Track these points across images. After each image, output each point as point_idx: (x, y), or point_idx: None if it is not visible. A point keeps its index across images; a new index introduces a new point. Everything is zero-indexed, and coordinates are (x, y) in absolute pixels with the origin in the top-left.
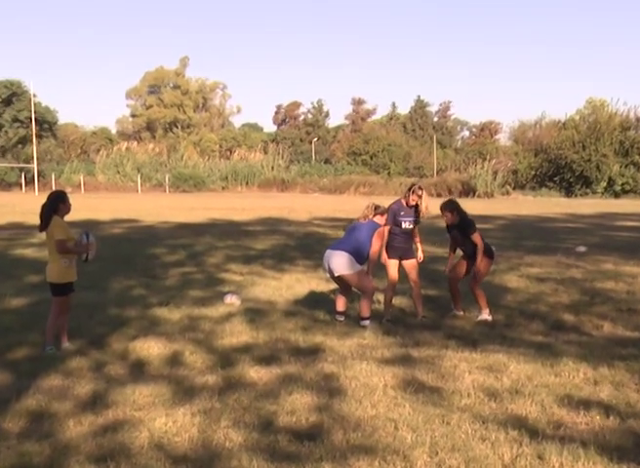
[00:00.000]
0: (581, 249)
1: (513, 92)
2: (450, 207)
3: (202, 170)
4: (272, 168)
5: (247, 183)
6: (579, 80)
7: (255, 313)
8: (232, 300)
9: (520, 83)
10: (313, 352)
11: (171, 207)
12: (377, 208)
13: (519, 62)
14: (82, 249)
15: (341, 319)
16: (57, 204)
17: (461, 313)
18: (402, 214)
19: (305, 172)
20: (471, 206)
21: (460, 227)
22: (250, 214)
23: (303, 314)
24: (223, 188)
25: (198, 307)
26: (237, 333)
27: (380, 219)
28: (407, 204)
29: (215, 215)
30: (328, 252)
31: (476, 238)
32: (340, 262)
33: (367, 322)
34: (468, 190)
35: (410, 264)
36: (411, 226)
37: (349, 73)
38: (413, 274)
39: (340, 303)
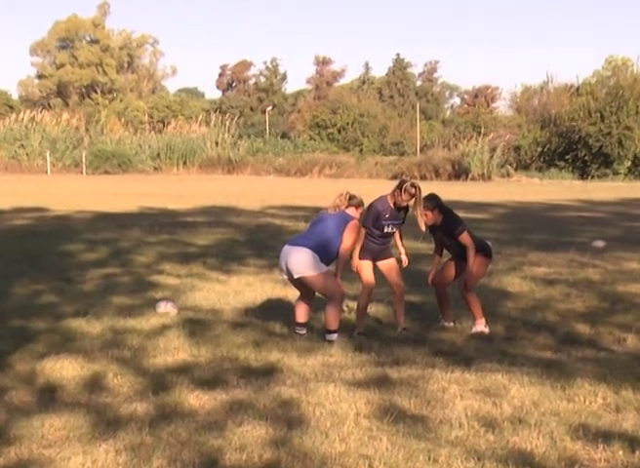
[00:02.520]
0: (599, 244)
1: (514, 49)
2: (430, 204)
3: (128, 146)
4: (216, 144)
5: (185, 163)
6: (594, 35)
7: (195, 325)
8: (167, 309)
9: (523, 38)
10: (268, 373)
11: (89, 192)
12: (351, 198)
13: (521, 13)
14: None
15: (302, 332)
16: None
17: (451, 324)
18: (386, 216)
19: (258, 149)
20: (463, 191)
21: (445, 228)
22: (189, 201)
23: (255, 326)
24: (155, 169)
25: (124, 318)
26: (173, 350)
27: (353, 212)
28: (394, 204)
29: (144, 203)
30: (286, 248)
31: (465, 238)
32: (300, 261)
33: (334, 335)
34: (460, 172)
35: (387, 264)
36: (394, 231)
37: (311, 25)
38: (393, 275)
39: (301, 313)
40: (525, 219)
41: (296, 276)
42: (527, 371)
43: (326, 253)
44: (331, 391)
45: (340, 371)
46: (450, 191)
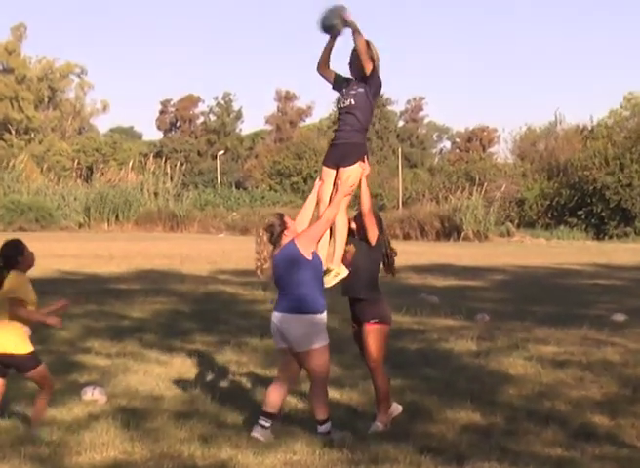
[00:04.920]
0: (619, 317)
1: (515, 83)
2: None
3: (49, 197)
4: (156, 195)
5: (117, 218)
6: (609, 68)
7: (129, 414)
8: (94, 396)
9: (525, 71)
10: None
11: None
12: (271, 228)
13: (522, 41)
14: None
15: (268, 425)
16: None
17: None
18: None
19: (206, 201)
20: (454, 253)
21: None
22: (122, 264)
23: (203, 416)
24: (81, 226)
25: None
26: (101, 446)
27: (288, 234)
28: None
29: (68, 267)
30: (280, 317)
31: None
32: (304, 332)
33: (327, 426)
34: (450, 229)
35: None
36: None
37: (272, 55)
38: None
39: (276, 400)
40: (529, 288)
41: (300, 350)
42: None
43: (310, 300)
44: None
45: None
46: (438, 253)
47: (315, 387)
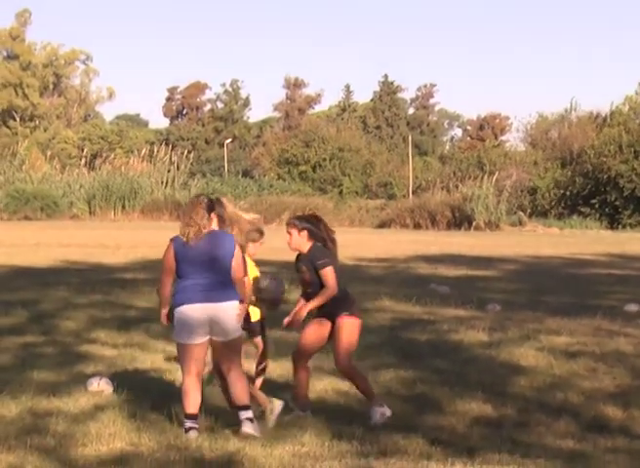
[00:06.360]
0: (633, 308)
1: (527, 70)
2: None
3: (54, 186)
4: (163, 184)
5: (124, 207)
6: (624, 53)
7: (136, 405)
8: (101, 387)
9: (537, 57)
10: (225, 466)
11: (4, 242)
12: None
13: (534, 26)
14: None
15: (196, 426)
16: None
17: (306, 413)
18: None
19: (214, 190)
20: (465, 243)
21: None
22: (128, 253)
23: (212, 407)
24: (87, 214)
25: (47, 397)
26: (108, 437)
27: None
28: None
29: (73, 256)
30: (212, 306)
31: (327, 274)
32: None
33: (248, 413)
34: (461, 219)
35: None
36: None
37: (280, 40)
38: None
39: (197, 401)
40: (541, 278)
41: (230, 338)
42: (544, 465)
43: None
44: None
45: (314, 464)
46: (449, 242)
47: (239, 374)
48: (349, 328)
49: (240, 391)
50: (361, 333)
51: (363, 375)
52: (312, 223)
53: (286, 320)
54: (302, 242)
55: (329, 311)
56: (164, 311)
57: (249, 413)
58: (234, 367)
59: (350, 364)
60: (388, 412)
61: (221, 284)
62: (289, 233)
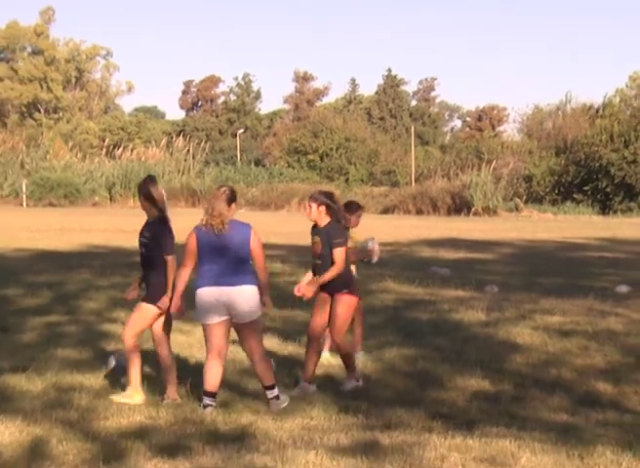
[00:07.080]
0: (623, 289)
1: (524, 64)
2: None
3: (77, 174)
4: (180, 172)
5: None
6: (617, 46)
7: (153, 382)
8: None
9: (533, 51)
10: (238, 438)
11: (30, 227)
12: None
13: (531, 22)
14: None
15: (214, 404)
16: None
17: (313, 387)
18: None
19: (227, 178)
20: (464, 227)
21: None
22: None
23: (225, 383)
24: (108, 201)
25: (71, 373)
26: (128, 411)
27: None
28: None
29: (95, 240)
30: (225, 290)
31: (339, 254)
32: (254, 299)
33: (274, 392)
34: (461, 205)
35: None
36: None
37: (290, 36)
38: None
39: (217, 378)
40: (536, 261)
41: (248, 320)
42: (539, 437)
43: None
44: (311, 459)
45: (322, 436)
46: (449, 227)
47: (262, 356)
48: (346, 303)
49: (264, 371)
50: (366, 313)
51: (351, 353)
52: (332, 200)
53: (297, 287)
54: (321, 216)
55: (331, 287)
56: (176, 300)
57: (274, 392)
58: (256, 348)
59: (344, 339)
60: (360, 385)
61: (236, 269)
62: (309, 206)
